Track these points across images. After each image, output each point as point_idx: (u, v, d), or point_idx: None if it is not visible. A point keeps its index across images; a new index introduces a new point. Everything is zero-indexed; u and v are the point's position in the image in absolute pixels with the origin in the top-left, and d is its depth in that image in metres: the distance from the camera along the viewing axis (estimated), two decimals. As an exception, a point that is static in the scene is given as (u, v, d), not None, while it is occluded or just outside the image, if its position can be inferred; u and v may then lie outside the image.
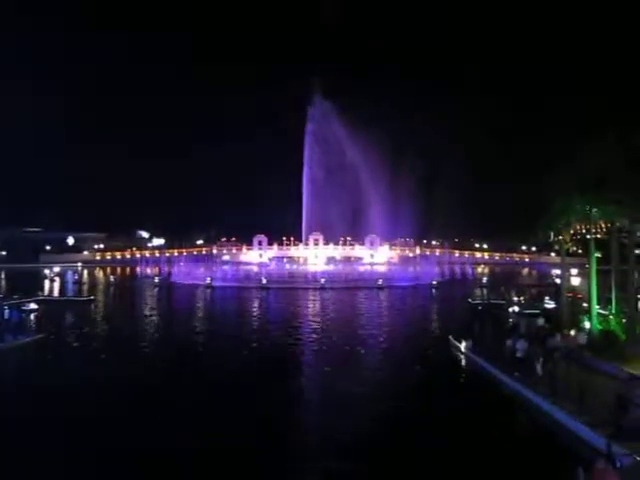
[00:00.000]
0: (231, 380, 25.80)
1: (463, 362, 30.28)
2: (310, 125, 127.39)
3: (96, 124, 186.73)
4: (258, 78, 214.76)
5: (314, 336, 37.36)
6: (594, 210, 30.00)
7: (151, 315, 48.94)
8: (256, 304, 58.47)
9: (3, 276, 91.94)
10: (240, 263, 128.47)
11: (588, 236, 31.49)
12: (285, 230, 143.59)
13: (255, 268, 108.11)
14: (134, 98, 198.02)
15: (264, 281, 74.41)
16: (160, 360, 30.61)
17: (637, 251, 30.65)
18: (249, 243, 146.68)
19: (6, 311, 37.89)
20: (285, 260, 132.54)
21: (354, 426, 19.66)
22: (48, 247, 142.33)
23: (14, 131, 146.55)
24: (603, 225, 31.35)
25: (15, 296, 51.48)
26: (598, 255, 33.62)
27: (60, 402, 21.87)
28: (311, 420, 21.09)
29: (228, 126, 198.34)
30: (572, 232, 32.91)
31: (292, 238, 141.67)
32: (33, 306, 47.71)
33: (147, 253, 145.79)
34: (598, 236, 32.23)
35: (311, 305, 57.26)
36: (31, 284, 70.22)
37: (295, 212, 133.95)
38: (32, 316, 44.32)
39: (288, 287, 73.20)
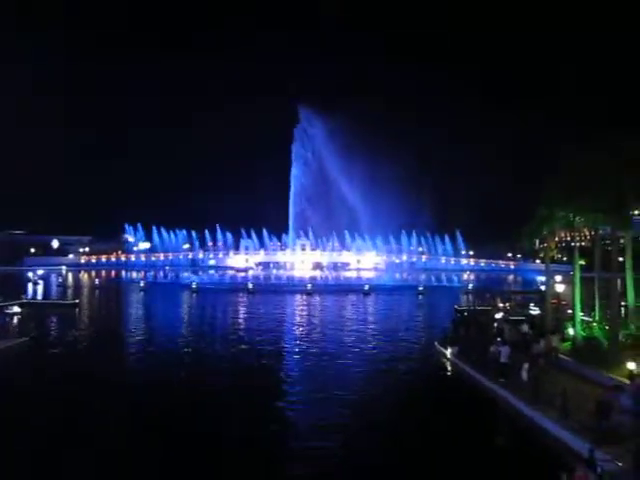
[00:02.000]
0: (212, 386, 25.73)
1: (449, 368, 30.39)
2: (296, 132, 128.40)
3: (84, 124, 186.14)
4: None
5: (300, 342, 37.38)
6: (577, 218, 30.34)
7: (136, 319, 48.62)
8: (242, 308, 58.26)
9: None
10: (226, 268, 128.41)
11: (572, 243, 31.79)
12: (272, 235, 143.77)
13: (241, 273, 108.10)
14: (124, 98, 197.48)
15: (250, 286, 74.21)
16: (144, 365, 30.42)
17: (620, 258, 30.93)
18: (236, 248, 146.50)
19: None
20: (271, 265, 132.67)
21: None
22: (32, 250, 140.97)
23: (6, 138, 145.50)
24: (587, 233, 31.72)
25: (-3, 299, 50.86)
26: (582, 262, 33.98)
27: (39, 405, 21.67)
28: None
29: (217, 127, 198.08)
30: (557, 240, 33.21)
31: (279, 243, 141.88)
32: (16, 309, 47.19)
33: (133, 257, 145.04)
34: (582, 244, 32.53)
35: (298, 310, 57.26)
36: (14, 287, 69.40)
37: (282, 217, 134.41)
38: (15, 319, 43.80)
39: (274, 292, 73.07)
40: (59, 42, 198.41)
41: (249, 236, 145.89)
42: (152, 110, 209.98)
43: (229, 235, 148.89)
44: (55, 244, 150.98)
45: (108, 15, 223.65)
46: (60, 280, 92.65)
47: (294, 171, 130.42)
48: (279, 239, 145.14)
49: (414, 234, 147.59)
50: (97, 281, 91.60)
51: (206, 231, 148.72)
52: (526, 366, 24.37)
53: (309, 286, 73.76)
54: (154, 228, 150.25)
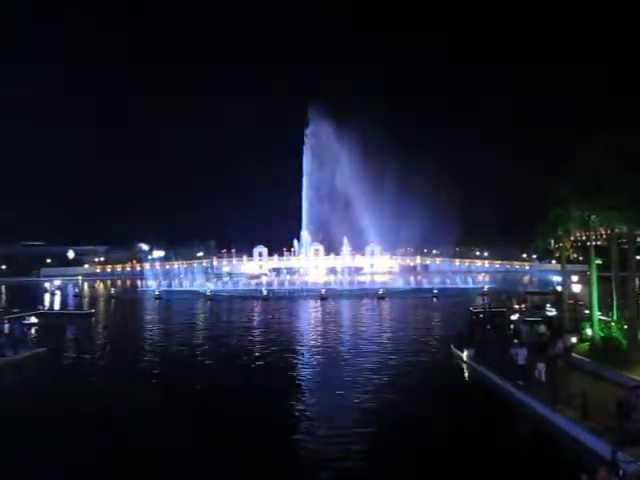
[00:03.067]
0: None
1: (465, 371, 30.17)
2: (308, 137, 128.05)
3: (97, 133, 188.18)
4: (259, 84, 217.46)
5: (318, 348, 37.39)
6: (593, 217, 30.00)
7: (151, 328, 48.77)
8: (257, 315, 58.29)
9: (3, 290, 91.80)
10: (241, 274, 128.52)
11: (588, 243, 31.44)
12: (285, 241, 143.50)
13: (254, 280, 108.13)
14: (134, 102, 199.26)
15: (264, 292, 74.28)
16: (158, 375, 30.53)
17: (637, 257, 30.55)
18: (249, 254, 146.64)
19: (6, 325, 37.77)
20: (285, 271, 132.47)
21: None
22: (49, 260, 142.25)
23: (14, 144, 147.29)
24: (603, 232, 31.35)
25: (15, 310, 51.30)
26: (599, 262, 33.59)
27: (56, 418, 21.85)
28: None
29: (227, 134, 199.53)
30: (572, 239, 32.87)
31: (292, 249, 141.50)
32: (34, 320, 47.60)
33: (147, 265, 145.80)
34: (598, 243, 32.15)
35: (313, 316, 57.17)
36: (32, 298, 70.13)
37: (295, 223, 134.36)
38: (33, 330, 44.17)
39: (289, 298, 73.05)
40: (59, 43, 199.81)
41: (262, 243, 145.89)
42: (154, 111, 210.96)
43: (242, 242, 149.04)
44: (71, 254, 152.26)
45: (107, 17, 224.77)
46: (76, 290, 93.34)
47: (306, 174, 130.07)
48: (291, 245, 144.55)
49: (425, 236, 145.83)
50: (113, 290, 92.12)
51: (219, 239, 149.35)
52: (542, 366, 24.17)
53: (323, 291, 73.64)
54: (168, 237, 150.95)
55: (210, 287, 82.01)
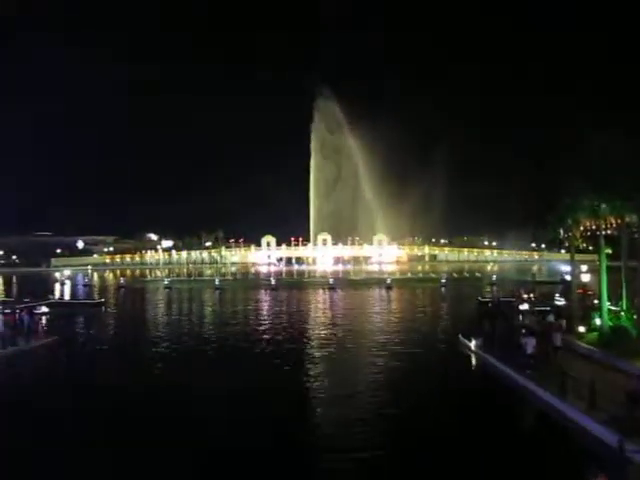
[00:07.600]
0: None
1: (473, 361, 30.18)
2: (314, 126, 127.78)
3: (104, 125, 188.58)
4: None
5: (325, 336, 37.52)
6: (603, 205, 29.74)
7: (159, 317, 49.11)
8: (265, 305, 58.53)
9: (14, 280, 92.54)
10: (248, 264, 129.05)
11: (598, 232, 31.18)
12: (293, 231, 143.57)
13: (263, 268, 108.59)
14: (137, 98, 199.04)
15: (273, 281, 74.51)
16: (168, 358, 30.77)
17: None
18: (257, 244, 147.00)
19: (17, 315, 38.13)
20: (293, 260, 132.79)
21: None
22: (58, 251, 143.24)
23: (21, 134, 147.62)
24: (613, 221, 31.02)
25: (26, 300, 51.81)
26: (608, 251, 33.37)
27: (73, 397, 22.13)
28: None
29: (234, 125, 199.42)
30: (582, 228, 32.63)
31: (300, 239, 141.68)
32: (44, 309, 47.99)
33: (156, 255, 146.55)
34: (608, 232, 31.86)
35: (321, 305, 57.32)
36: (42, 288, 70.71)
37: (303, 213, 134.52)
38: (43, 319, 44.57)
39: (296, 287, 73.23)
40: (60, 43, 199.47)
41: (270, 232, 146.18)
42: (154, 111, 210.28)
43: (250, 232, 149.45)
44: (80, 244, 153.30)
45: (106, 18, 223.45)
46: (86, 280, 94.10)
47: (313, 166, 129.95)
48: (299, 235, 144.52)
49: (434, 226, 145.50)
50: (122, 280, 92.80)
51: (227, 228, 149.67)
52: (532, 342, 24.42)
53: (331, 281, 73.76)
54: (176, 227, 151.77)
55: (218, 277, 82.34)
